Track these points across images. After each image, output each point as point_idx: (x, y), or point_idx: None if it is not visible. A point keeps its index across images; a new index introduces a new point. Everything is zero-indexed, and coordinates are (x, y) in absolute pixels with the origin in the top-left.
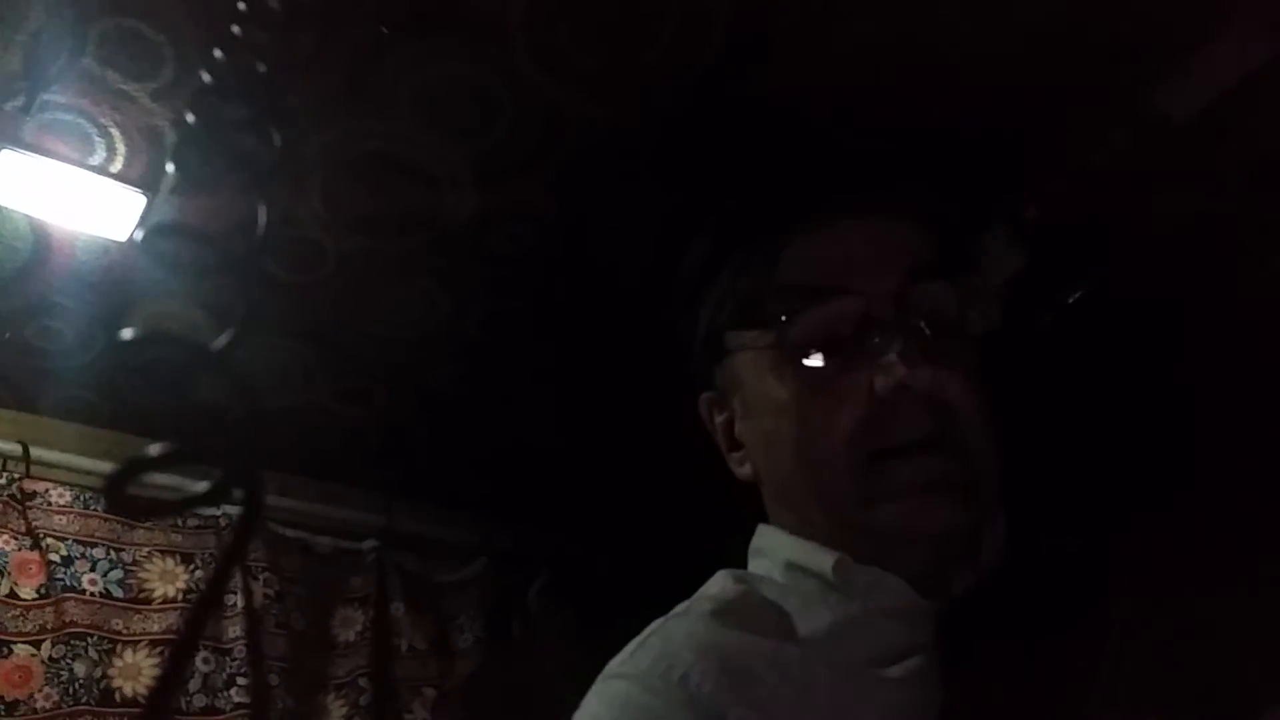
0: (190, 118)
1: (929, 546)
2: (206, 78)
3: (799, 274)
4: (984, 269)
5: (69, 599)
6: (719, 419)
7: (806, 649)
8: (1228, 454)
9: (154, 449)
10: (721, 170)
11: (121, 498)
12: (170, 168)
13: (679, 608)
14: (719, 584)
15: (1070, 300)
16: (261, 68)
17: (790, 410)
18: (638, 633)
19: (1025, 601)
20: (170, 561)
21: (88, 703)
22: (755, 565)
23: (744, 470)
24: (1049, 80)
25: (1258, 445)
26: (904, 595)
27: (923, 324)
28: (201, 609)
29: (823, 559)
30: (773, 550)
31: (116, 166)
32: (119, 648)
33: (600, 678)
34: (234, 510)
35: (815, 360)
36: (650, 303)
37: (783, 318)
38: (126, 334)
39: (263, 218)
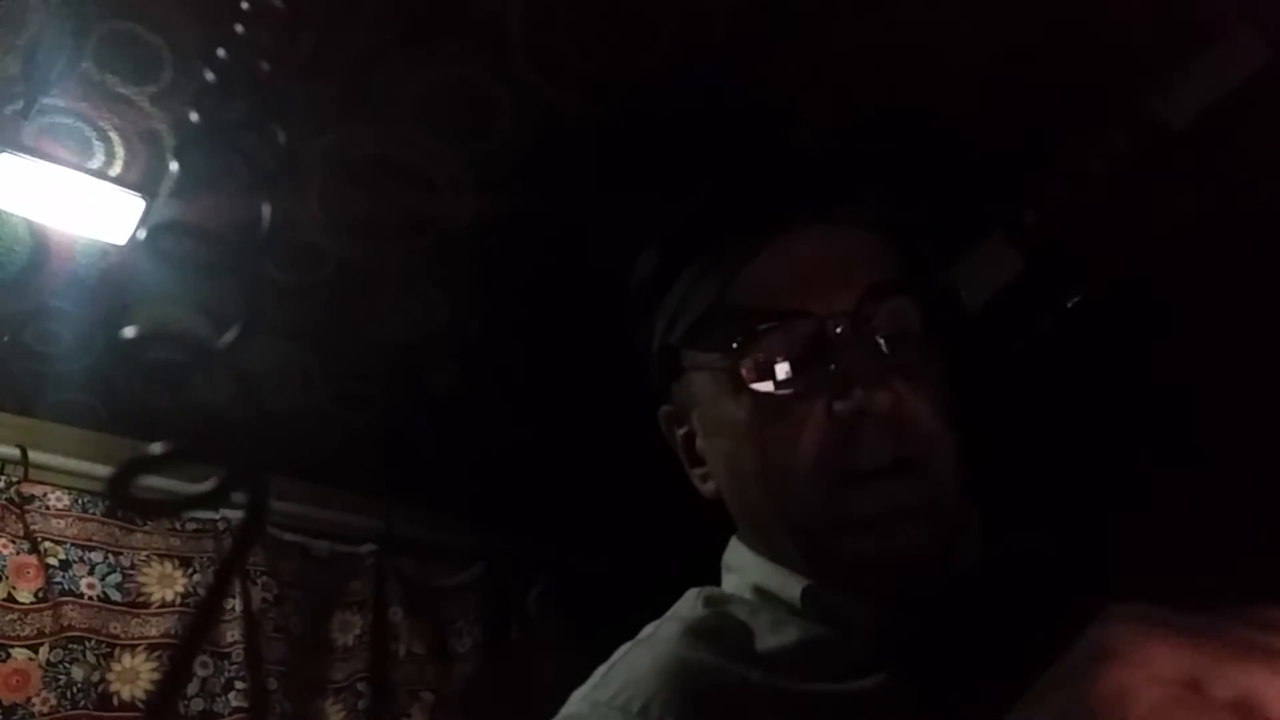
0: (194, 116)
1: (897, 571)
2: (210, 76)
3: (751, 295)
4: (950, 275)
5: (67, 603)
6: (679, 432)
7: (774, 672)
8: (1216, 450)
9: (157, 447)
10: (698, 171)
11: (124, 496)
12: (174, 166)
13: (647, 629)
14: (688, 604)
15: (1069, 304)
16: (265, 67)
17: (749, 434)
18: (635, 636)
19: (998, 605)
20: (169, 565)
21: (86, 707)
22: (727, 581)
23: (707, 487)
24: (1048, 85)
25: (1247, 441)
26: (872, 617)
27: (882, 341)
28: (204, 613)
29: (790, 586)
30: (741, 569)
31: (115, 170)
32: (117, 652)
33: (564, 707)
34: (233, 514)
35: (770, 385)
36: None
37: (736, 342)
38: (128, 332)
39: (267, 216)
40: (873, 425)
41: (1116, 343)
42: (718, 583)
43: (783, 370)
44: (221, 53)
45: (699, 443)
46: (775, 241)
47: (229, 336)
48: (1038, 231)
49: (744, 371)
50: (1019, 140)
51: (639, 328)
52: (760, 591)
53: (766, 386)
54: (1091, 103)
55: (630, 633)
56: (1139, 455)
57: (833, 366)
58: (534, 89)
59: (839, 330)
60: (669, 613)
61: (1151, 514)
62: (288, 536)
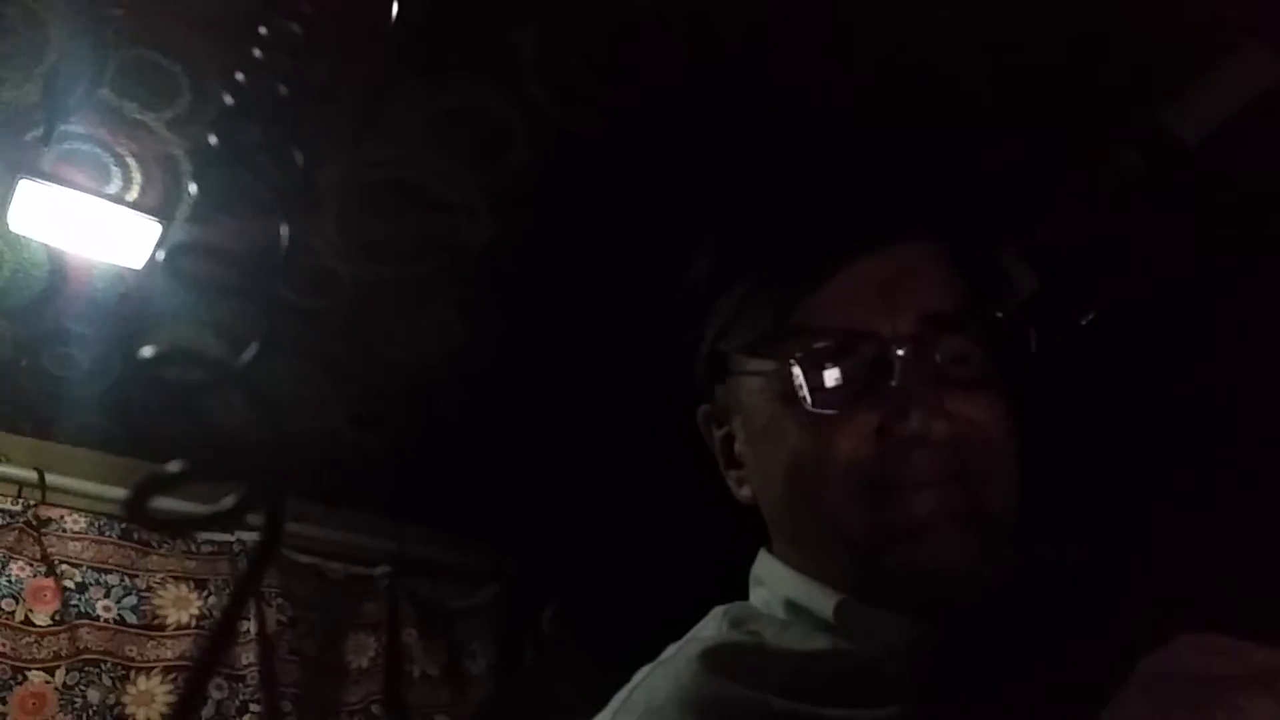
0: (212, 140)
1: (941, 585)
2: (229, 100)
3: (815, 312)
4: (1010, 296)
5: (83, 625)
6: (718, 433)
7: (797, 698)
8: (1233, 462)
9: (174, 465)
10: (732, 189)
11: (142, 515)
12: (192, 188)
13: (669, 650)
14: (713, 624)
15: (1084, 321)
16: (283, 91)
17: (797, 446)
18: (652, 658)
19: (1026, 625)
20: (184, 587)
21: None
22: (755, 594)
23: (743, 492)
24: (1060, 103)
25: (1261, 454)
26: (905, 634)
27: (943, 362)
28: (220, 635)
29: (824, 601)
30: (773, 582)
31: (133, 195)
32: (133, 674)
33: None
34: (248, 536)
35: (825, 401)
36: (661, 324)
37: (795, 357)
38: (146, 352)
39: (285, 238)
40: (926, 450)
41: (1131, 359)
42: (735, 599)
43: (840, 388)
44: (240, 77)
45: (739, 446)
46: (843, 261)
47: (247, 356)
48: (1051, 249)
49: (800, 385)
50: (1032, 158)
51: (688, 326)
52: (792, 605)
53: (821, 402)
54: (1104, 120)
55: (647, 654)
56: (1154, 469)
57: (893, 384)
58: (547, 112)
59: (901, 353)
60: (692, 632)
61: (1167, 527)
62: (302, 558)
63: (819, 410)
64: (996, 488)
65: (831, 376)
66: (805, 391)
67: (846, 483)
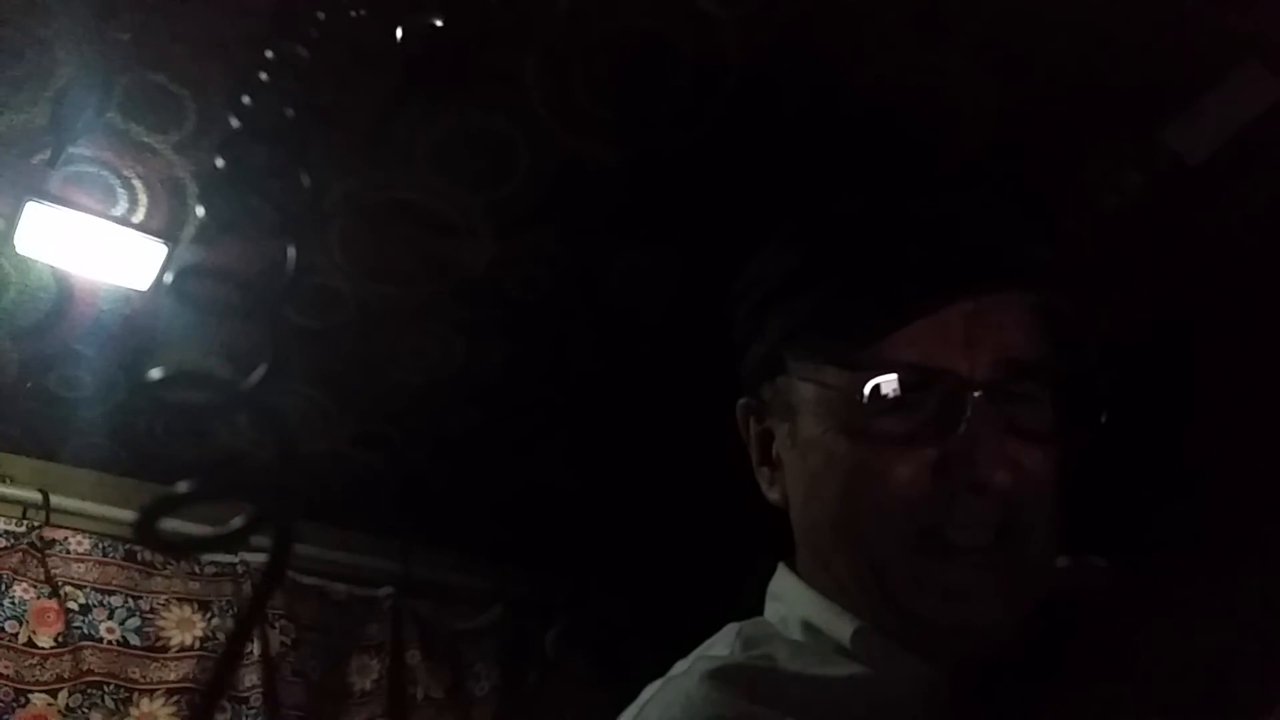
0: (219, 162)
1: (970, 643)
2: (235, 123)
3: (896, 343)
4: (1092, 351)
5: (86, 647)
6: (756, 428)
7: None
8: (1249, 480)
9: (183, 486)
10: (739, 212)
11: (151, 535)
12: (199, 210)
13: (678, 667)
14: (725, 641)
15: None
16: (290, 113)
17: (844, 465)
18: (656, 679)
19: (1049, 647)
20: (188, 609)
21: None
22: (771, 610)
23: (773, 494)
24: (1063, 123)
25: (1271, 472)
26: (922, 670)
27: (1015, 411)
28: (227, 657)
29: (842, 627)
30: (791, 601)
31: (139, 217)
32: (136, 696)
33: None
34: (252, 558)
35: (891, 429)
36: (667, 343)
37: (868, 381)
38: (154, 374)
39: (292, 258)
40: (981, 499)
41: (1137, 377)
42: (742, 619)
43: (906, 420)
44: (246, 100)
45: (778, 448)
46: (937, 303)
47: (255, 378)
48: (1054, 269)
49: (867, 410)
50: (1033, 177)
51: (748, 317)
52: (809, 627)
53: (884, 431)
54: (1105, 140)
55: (651, 675)
56: (1162, 488)
57: (963, 428)
58: (551, 134)
59: (976, 396)
60: (702, 648)
61: (1179, 547)
62: (305, 579)
63: (879, 441)
64: (1039, 546)
65: (900, 407)
66: (869, 419)
67: (895, 522)
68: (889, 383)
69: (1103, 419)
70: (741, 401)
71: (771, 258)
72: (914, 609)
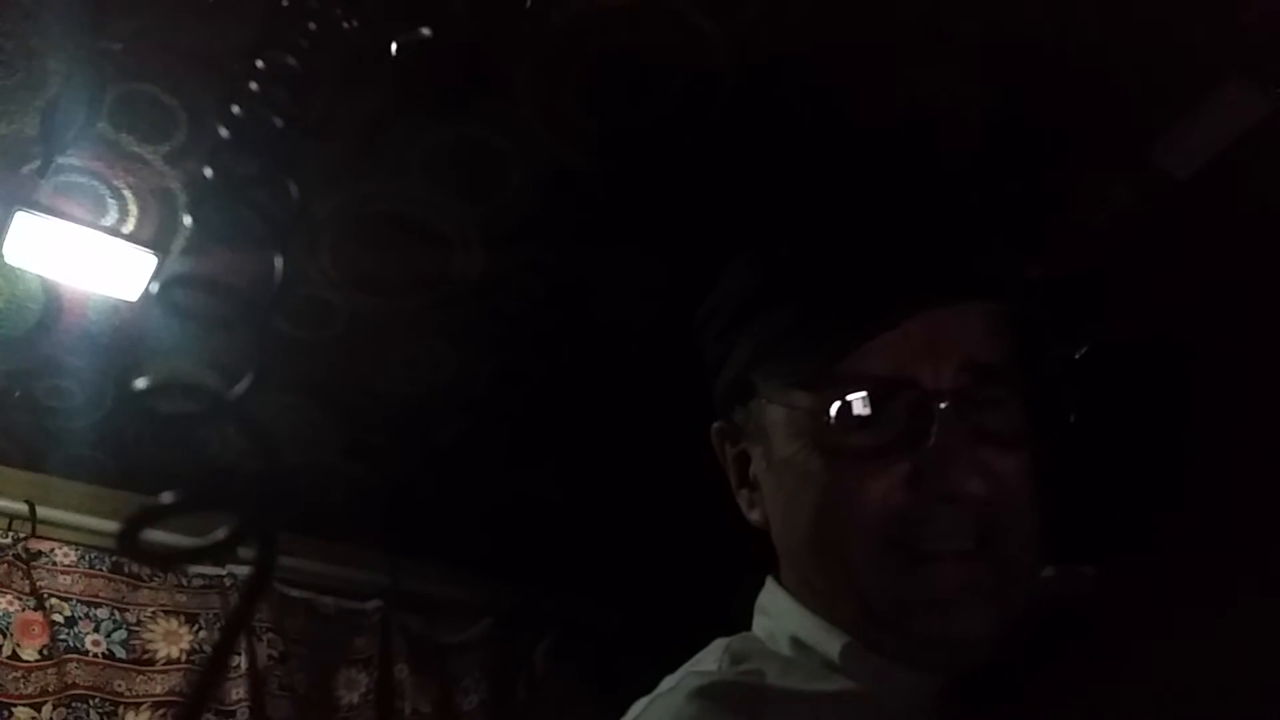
0: (207, 172)
1: (956, 653)
2: (224, 133)
3: (859, 360)
4: (1059, 356)
5: (71, 660)
6: (732, 450)
7: None
8: (1237, 489)
9: (168, 496)
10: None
11: (135, 547)
12: (187, 220)
13: (667, 682)
14: (712, 657)
15: (1077, 355)
16: (279, 123)
17: (823, 487)
18: (647, 693)
19: (1037, 657)
20: (174, 622)
21: None
22: (759, 624)
23: (754, 515)
24: (1052, 138)
25: (1264, 479)
26: (912, 680)
27: (983, 415)
28: (211, 669)
29: (830, 642)
30: (778, 616)
31: (129, 227)
32: (121, 710)
33: None
34: (240, 570)
35: (859, 445)
36: (657, 356)
37: (834, 400)
38: (140, 383)
39: (279, 269)
40: (956, 509)
41: (1125, 392)
42: (732, 633)
43: (875, 434)
44: (236, 110)
45: (755, 469)
46: (899, 316)
47: (239, 388)
48: (1044, 283)
49: (834, 428)
50: (1023, 193)
51: (715, 342)
52: (797, 643)
53: (855, 448)
54: (1094, 155)
55: (642, 689)
56: (1157, 497)
57: (931, 440)
58: (543, 146)
59: (943, 406)
60: (690, 664)
61: (1168, 559)
62: (294, 592)
63: (851, 457)
64: (1019, 552)
65: (869, 423)
66: (839, 435)
67: (872, 538)
68: (855, 399)
69: (1071, 419)
70: (716, 425)
71: (733, 282)
72: (898, 623)
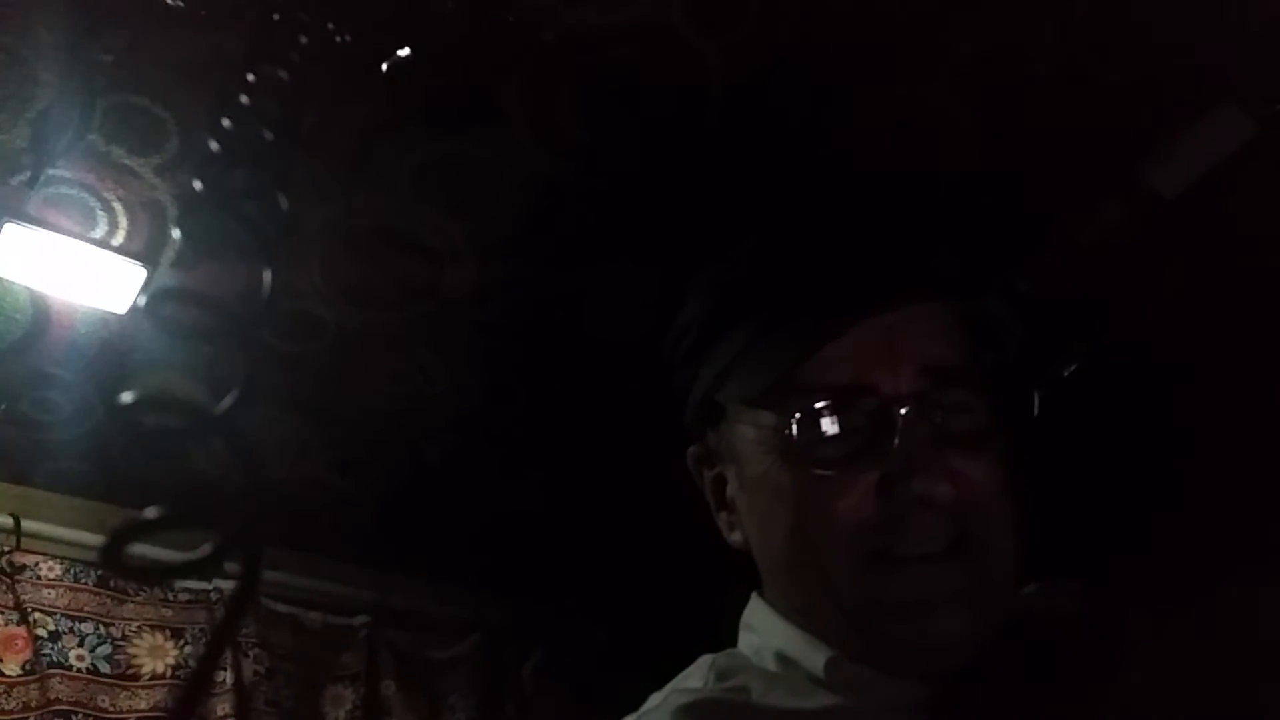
0: (197, 185)
1: (937, 657)
2: (214, 146)
3: (817, 370)
4: (1013, 352)
5: (55, 675)
6: (708, 474)
7: None
8: (1219, 503)
9: (151, 511)
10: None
11: (119, 561)
12: (175, 233)
13: (651, 700)
14: (698, 674)
15: (1065, 374)
16: (269, 136)
17: (795, 503)
18: (635, 709)
19: (1020, 670)
20: (160, 636)
21: None
22: (745, 640)
23: (734, 537)
24: (1041, 157)
25: (1241, 504)
26: (898, 693)
27: (945, 417)
28: (196, 685)
29: (815, 657)
30: (764, 631)
31: (118, 240)
32: None
33: None
34: (226, 585)
35: (824, 457)
36: (646, 370)
37: (795, 413)
38: (126, 397)
39: (267, 282)
40: (928, 513)
41: (1115, 408)
42: (721, 648)
43: (840, 445)
44: (226, 123)
45: (731, 491)
46: (848, 320)
47: (225, 403)
48: (1033, 301)
49: (800, 442)
50: (1013, 211)
51: (681, 368)
52: (782, 658)
53: (821, 460)
54: (1084, 174)
55: (630, 706)
56: (1141, 513)
57: (895, 445)
58: (534, 160)
59: (903, 411)
60: (676, 681)
61: (1158, 574)
62: (280, 607)
63: (820, 470)
64: (997, 553)
65: (831, 433)
66: (805, 449)
67: (847, 549)
68: (815, 410)
69: (1034, 416)
70: (690, 451)
71: (692, 307)
72: (879, 629)
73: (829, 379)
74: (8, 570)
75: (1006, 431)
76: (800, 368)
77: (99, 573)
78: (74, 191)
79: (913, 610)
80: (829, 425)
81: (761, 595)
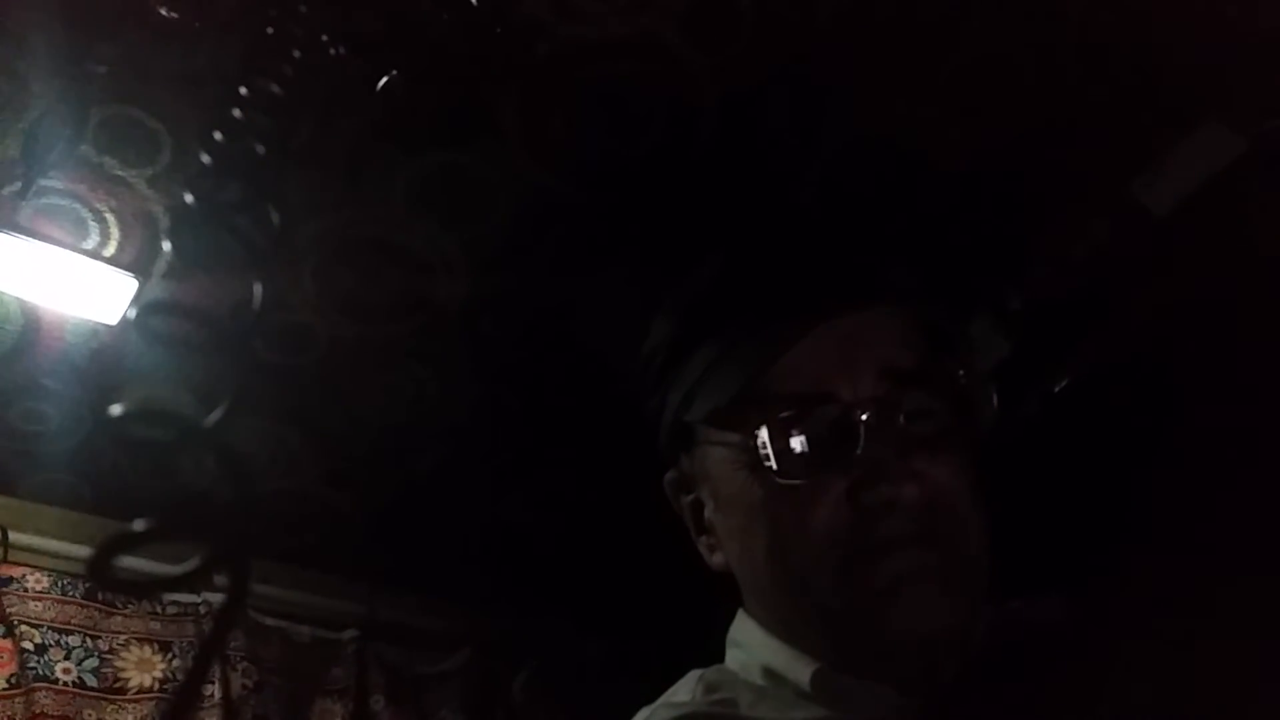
0: (188, 198)
1: (921, 650)
2: (206, 159)
3: (777, 381)
4: (975, 354)
5: (40, 689)
6: (685, 499)
7: None
8: (1209, 515)
9: (140, 524)
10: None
11: (106, 574)
12: (166, 246)
13: (641, 714)
14: (686, 689)
15: (1056, 389)
16: (261, 150)
17: (766, 515)
18: None
19: (1007, 681)
20: (148, 650)
21: None
22: (732, 657)
23: (715, 559)
24: (1032, 174)
25: (1232, 516)
26: (885, 703)
27: (907, 419)
28: (183, 700)
29: (800, 670)
30: (750, 647)
31: (110, 250)
32: None
33: None
34: (215, 598)
35: (791, 470)
36: (634, 386)
37: (759, 427)
38: (116, 409)
39: (258, 295)
40: (898, 514)
41: (1106, 420)
42: (712, 662)
43: (806, 455)
44: (218, 136)
45: (708, 513)
46: (801, 328)
47: (216, 415)
48: (1023, 317)
49: (766, 456)
50: (1003, 228)
51: (649, 395)
52: (769, 673)
53: (789, 471)
54: (1074, 191)
55: (619, 719)
56: (1131, 525)
57: (859, 451)
58: (527, 174)
59: (865, 417)
60: (664, 697)
61: (1146, 587)
62: (269, 621)
63: (787, 480)
64: (966, 548)
65: (797, 444)
66: (772, 462)
67: (824, 556)
68: (779, 421)
69: (993, 414)
70: (667, 478)
71: (657, 332)
72: (859, 626)
73: (789, 388)
74: None
75: (970, 432)
76: (760, 380)
77: (87, 585)
78: (66, 202)
79: (892, 592)
80: (793, 434)
81: (747, 611)
